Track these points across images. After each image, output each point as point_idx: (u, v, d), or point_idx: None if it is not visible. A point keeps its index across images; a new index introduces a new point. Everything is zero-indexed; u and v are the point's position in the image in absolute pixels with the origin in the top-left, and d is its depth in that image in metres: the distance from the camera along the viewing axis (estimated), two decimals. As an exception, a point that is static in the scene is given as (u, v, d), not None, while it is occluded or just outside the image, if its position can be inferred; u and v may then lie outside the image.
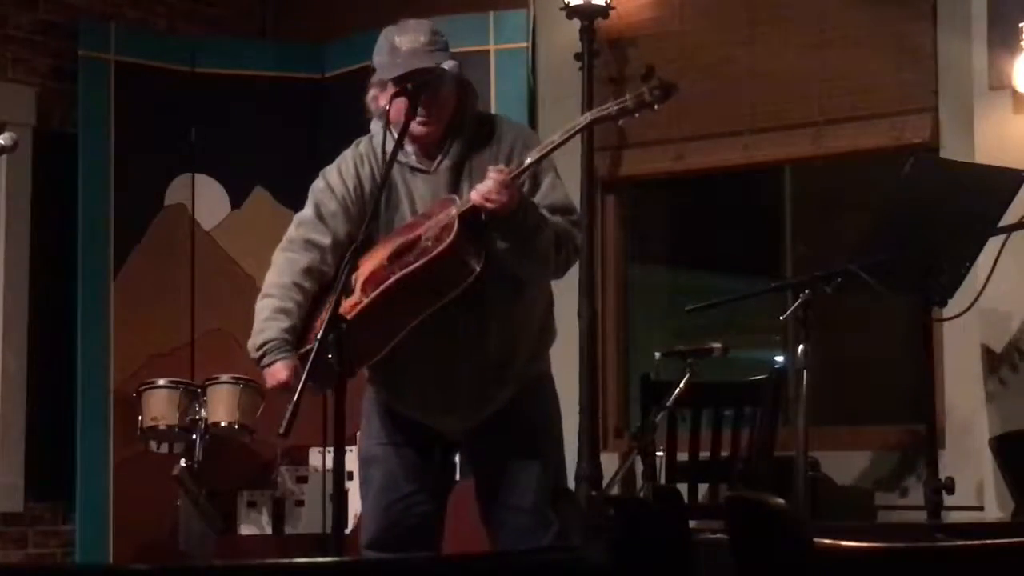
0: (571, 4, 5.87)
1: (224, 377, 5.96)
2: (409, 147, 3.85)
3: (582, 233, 3.95)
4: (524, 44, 6.16)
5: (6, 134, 4.05)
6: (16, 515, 6.20)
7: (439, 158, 3.86)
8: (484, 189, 3.63)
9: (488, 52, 6.13)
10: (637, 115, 3.70)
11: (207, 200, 6.49)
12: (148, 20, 6.79)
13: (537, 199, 3.80)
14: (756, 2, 5.81)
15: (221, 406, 5.90)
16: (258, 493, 6.31)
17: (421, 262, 3.69)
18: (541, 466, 3.89)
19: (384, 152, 3.75)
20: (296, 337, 3.82)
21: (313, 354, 3.48)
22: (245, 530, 6.26)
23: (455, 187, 3.82)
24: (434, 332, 3.77)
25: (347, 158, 3.95)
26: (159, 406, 5.91)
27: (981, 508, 4.98)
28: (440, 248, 3.67)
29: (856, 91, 5.56)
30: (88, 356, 6.18)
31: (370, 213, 3.76)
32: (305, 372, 3.46)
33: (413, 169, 3.86)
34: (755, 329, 6.79)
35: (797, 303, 4.29)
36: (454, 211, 3.71)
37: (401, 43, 3.81)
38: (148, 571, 1.91)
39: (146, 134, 6.38)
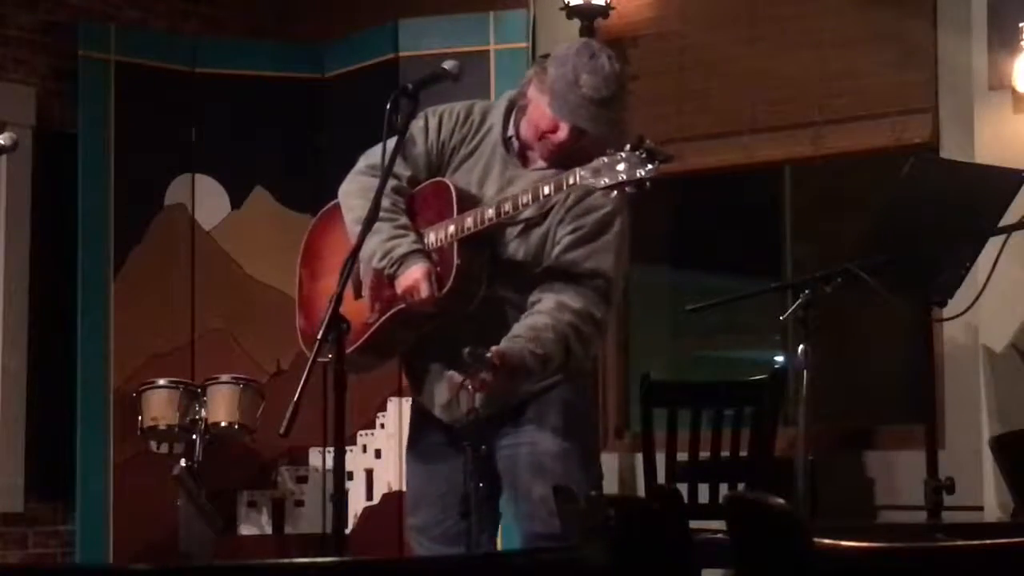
0: (571, 4, 5.87)
1: (224, 377, 5.97)
2: (515, 142, 3.93)
3: (605, 307, 3.85)
4: (524, 44, 6.16)
5: (6, 134, 4.04)
6: (16, 515, 6.20)
7: (535, 168, 3.90)
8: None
9: (488, 52, 6.13)
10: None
11: (207, 200, 6.49)
12: (148, 20, 6.79)
13: (555, 253, 3.82)
14: (756, 2, 5.81)
15: (221, 406, 5.90)
16: (258, 493, 6.32)
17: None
18: (563, 462, 3.88)
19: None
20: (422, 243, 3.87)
21: (313, 355, 3.48)
22: (245, 530, 6.27)
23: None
24: (451, 329, 3.82)
25: (453, 111, 3.99)
26: (159, 406, 5.91)
27: (981, 508, 4.98)
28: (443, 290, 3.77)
29: (856, 91, 5.56)
30: (88, 356, 6.18)
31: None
32: (305, 372, 3.45)
33: (508, 159, 3.92)
34: (755, 329, 6.79)
35: (797, 303, 4.29)
36: (452, 229, 3.78)
37: (585, 83, 3.77)
38: (148, 571, 1.91)
39: (146, 134, 6.38)
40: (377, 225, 3.79)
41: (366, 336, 3.92)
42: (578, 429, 3.93)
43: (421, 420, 4.10)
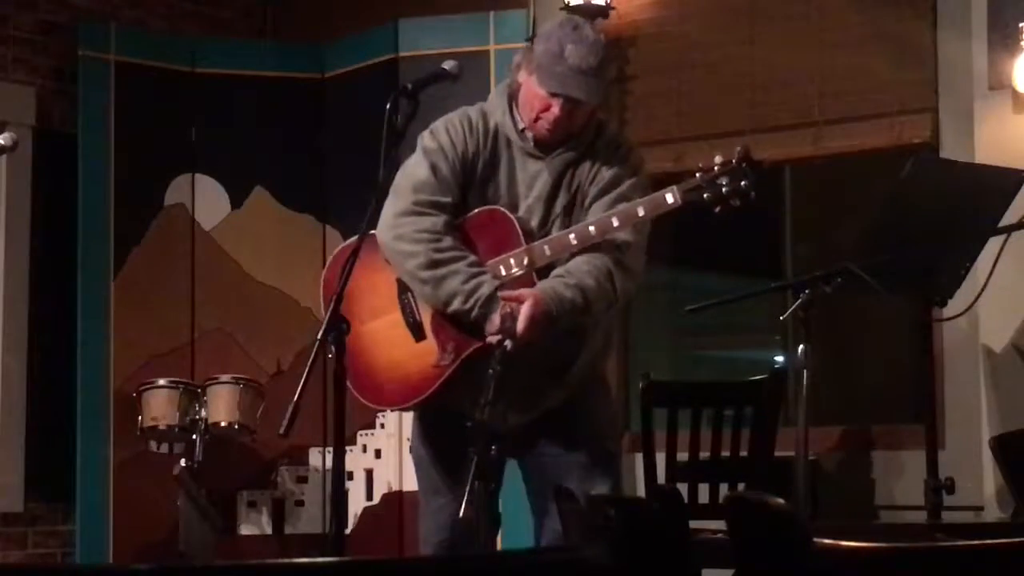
0: (571, 4, 5.87)
1: (224, 377, 5.97)
2: (529, 133, 3.90)
3: (635, 233, 3.87)
4: (524, 44, 6.15)
5: (6, 134, 4.04)
6: (16, 515, 6.20)
7: (554, 152, 3.89)
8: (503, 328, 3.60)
9: (488, 52, 6.13)
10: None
11: (207, 200, 6.49)
12: (148, 20, 6.79)
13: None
14: (756, 2, 5.81)
15: (221, 406, 5.90)
16: (258, 493, 6.32)
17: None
18: (591, 469, 3.89)
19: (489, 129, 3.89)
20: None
21: (313, 355, 3.47)
22: (245, 530, 6.27)
23: (561, 177, 3.86)
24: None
25: (455, 123, 3.93)
26: (159, 406, 5.91)
27: (981, 508, 4.99)
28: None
29: (856, 91, 5.56)
30: (88, 356, 6.18)
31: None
32: (305, 372, 3.45)
33: (527, 152, 3.90)
34: (755, 329, 6.79)
35: (797, 303, 4.29)
36: (527, 260, 3.78)
37: (570, 55, 3.76)
38: (148, 571, 1.90)
39: (146, 134, 6.38)
40: (451, 267, 3.77)
41: (444, 377, 3.83)
42: (610, 433, 4.00)
43: (440, 422, 4.03)
